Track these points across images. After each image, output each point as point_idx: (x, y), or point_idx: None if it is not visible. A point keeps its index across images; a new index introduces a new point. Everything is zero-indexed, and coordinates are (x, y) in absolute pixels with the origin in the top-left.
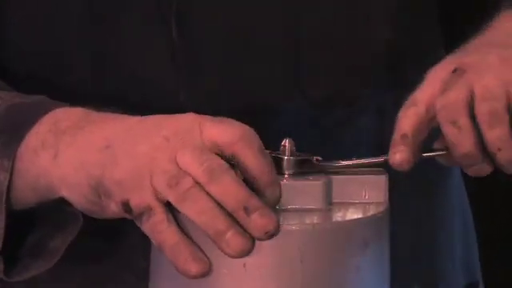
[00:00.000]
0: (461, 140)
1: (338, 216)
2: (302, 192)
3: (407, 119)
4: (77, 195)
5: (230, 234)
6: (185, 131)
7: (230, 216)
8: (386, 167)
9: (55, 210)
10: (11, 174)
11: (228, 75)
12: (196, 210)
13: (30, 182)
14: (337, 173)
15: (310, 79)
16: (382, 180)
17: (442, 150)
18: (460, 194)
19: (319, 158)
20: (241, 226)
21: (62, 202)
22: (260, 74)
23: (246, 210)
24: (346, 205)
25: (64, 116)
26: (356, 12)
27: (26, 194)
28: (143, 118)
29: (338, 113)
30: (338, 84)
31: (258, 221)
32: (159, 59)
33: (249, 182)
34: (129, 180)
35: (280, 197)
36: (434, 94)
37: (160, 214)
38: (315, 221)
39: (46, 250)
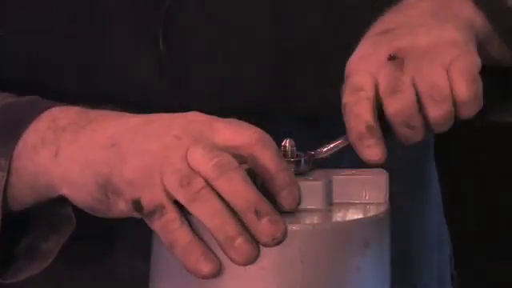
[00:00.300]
0: (413, 137)
1: (338, 216)
2: (302, 192)
3: (362, 106)
4: (81, 193)
5: (239, 241)
6: (196, 131)
7: (240, 221)
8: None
9: (49, 211)
10: (8, 173)
11: (215, 81)
12: (206, 211)
13: (29, 180)
14: (338, 173)
15: (297, 85)
16: (382, 180)
17: (342, 141)
18: (437, 207)
19: (312, 153)
20: (247, 228)
21: (59, 202)
22: (247, 78)
23: (257, 214)
24: (346, 205)
25: (61, 114)
26: (344, 19)
27: (23, 193)
28: (148, 117)
29: (324, 120)
30: (326, 91)
31: (267, 226)
32: (147, 66)
33: (263, 186)
34: (140, 178)
35: (299, 197)
36: (375, 78)
37: (172, 213)
38: (315, 221)
39: (39, 251)
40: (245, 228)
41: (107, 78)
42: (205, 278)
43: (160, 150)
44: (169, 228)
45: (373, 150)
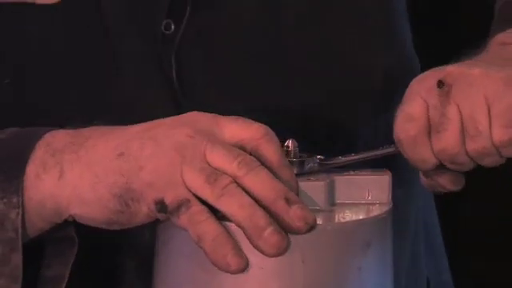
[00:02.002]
0: (462, 169)
1: (340, 217)
2: (304, 193)
3: (424, 149)
4: (96, 209)
5: (269, 231)
6: (206, 128)
7: (268, 214)
8: (383, 161)
9: (48, 238)
10: (23, 209)
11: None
12: (234, 204)
13: (35, 209)
14: (340, 173)
15: (310, 111)
16: (385, 180)
17: (392, 148)
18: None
19: (321, 157)
20: (278, 219)
21: (58, 226)
22: (259, 112)
23: (288, 201)
24: (348, 205)
25: (54, 138)
26: (357, 37)
27: (31, 224)
28: (147, 124)
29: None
30: (339, 115)
31: (298, 211)
32: (163, 105)
33: None
34: (160, 179)
35: (298, 193)
36: (426, 103)
37: (198, 206)
38: (317, 221)
39: (46, 279)
40: (273, 220)
41: (125, 119)
42: (233, 273)
43: (175, 149)
44: (197, 219)
45: (454, 183)
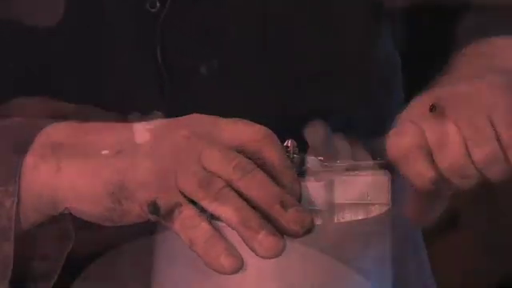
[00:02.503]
0: (467, 185)
1: (339, 217)
2: (303, 193)
3: (421, 163)
4: (90, 205)
5: (263, 234)
6: (203, 130)
7: (263, 216)
8: (384, 168)
9: (44, 231)
10: (19, 199)
11: (215, 104)
12: (229, 208)
13: (32, 200)
14: (340, 173)
15: (310, 112)
16: (384, 180)
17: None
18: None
19: (321, 158)
20: (274, 222)
21: (61, 218)
22: (246, 98)
23: (283, 205)
24: (347, 205)
25: (54, 130)
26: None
27: (27, 215)
28: (147, 123)
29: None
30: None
31: (295, 215)
32: (147, 84)
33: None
34: (154, 181)
35: (300, 194)
36: (419, 126)
37: (191, 210)
38: (316, 221)
39: (37, 271)
40: (269, 222)
41: (114, 105)
42: (228, 273)
43: (171, 151)
44: (189, 224)
45: (443, 201)
